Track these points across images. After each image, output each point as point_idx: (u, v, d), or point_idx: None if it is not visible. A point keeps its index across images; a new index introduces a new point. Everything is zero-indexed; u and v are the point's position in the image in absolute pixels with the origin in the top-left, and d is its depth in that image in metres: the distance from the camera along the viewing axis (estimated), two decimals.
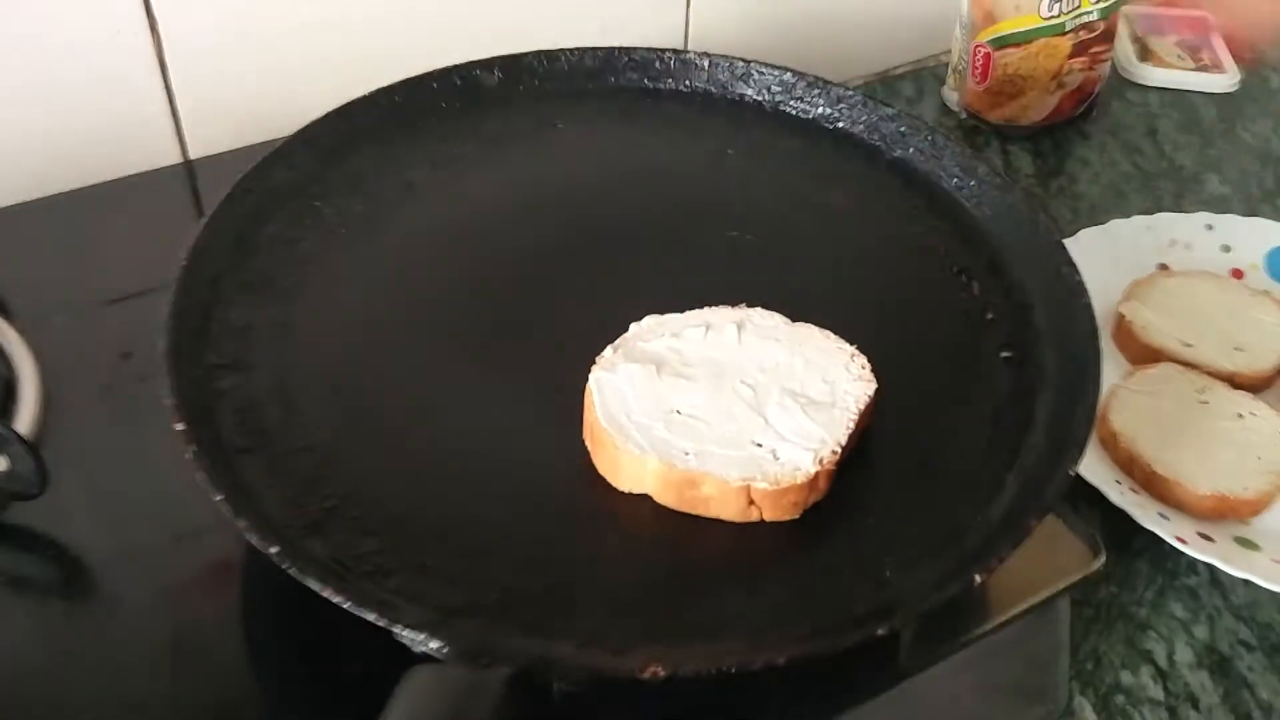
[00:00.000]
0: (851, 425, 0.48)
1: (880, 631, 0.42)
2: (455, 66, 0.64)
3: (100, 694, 0.47)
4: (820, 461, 0.47)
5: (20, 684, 0.47)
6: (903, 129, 0.64)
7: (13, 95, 0.68)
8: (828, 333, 0.52)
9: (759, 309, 0.53)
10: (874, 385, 0.50)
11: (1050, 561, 0.52)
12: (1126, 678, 0.56)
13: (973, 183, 0.62)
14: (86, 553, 0.51)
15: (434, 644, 0.40)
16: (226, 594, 0.50)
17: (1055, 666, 0.55)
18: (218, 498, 0.44)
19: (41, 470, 0.51)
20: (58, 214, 0.67)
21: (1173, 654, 0.58)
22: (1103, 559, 0.52)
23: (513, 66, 0.66)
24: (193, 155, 0.73)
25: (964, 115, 0.90)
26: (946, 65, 0.91)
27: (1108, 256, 0.74)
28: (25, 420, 0.55)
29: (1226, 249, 0.77)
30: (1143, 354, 0.70)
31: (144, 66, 0.69)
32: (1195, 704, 0.56)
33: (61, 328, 0.60)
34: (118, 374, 0.58)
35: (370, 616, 0.41)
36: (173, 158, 0.73)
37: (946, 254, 0.60)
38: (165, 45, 0.70)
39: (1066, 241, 0.74)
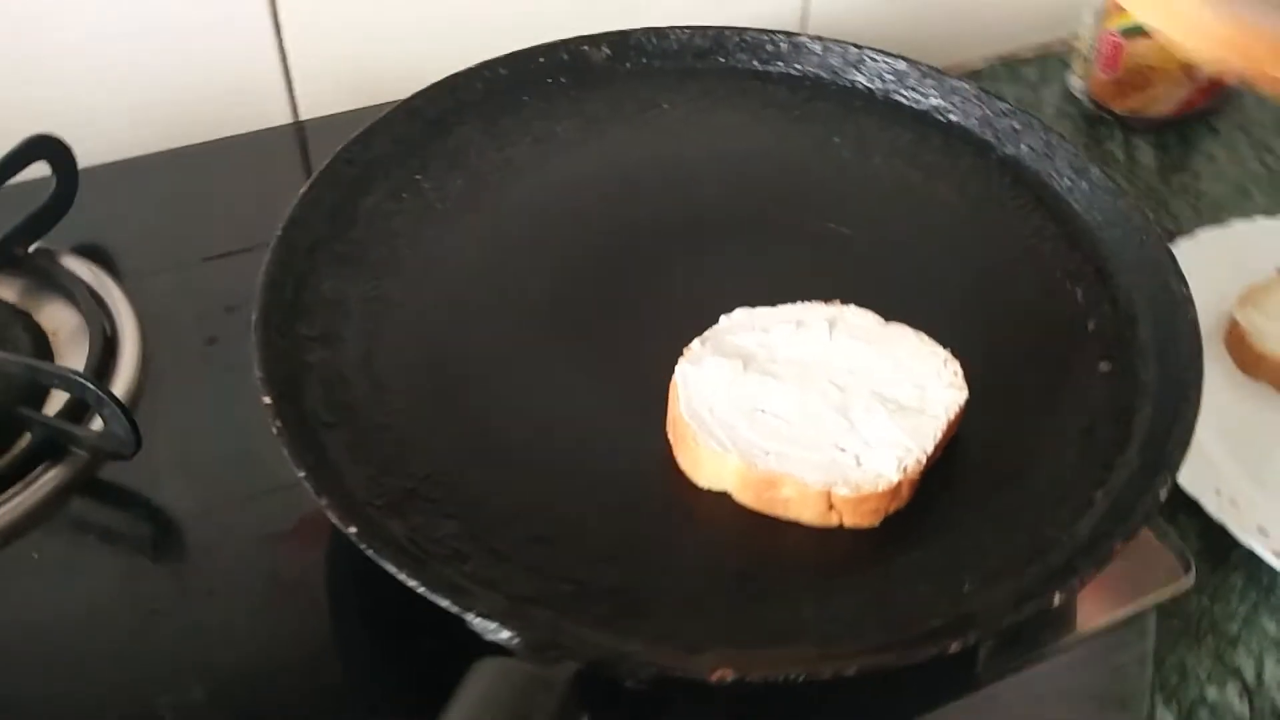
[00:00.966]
0: (939, 434, 0.47)
1: (954, 648, 0.41)
2: (563, 41, 0.64)
3: (182, 652, 0.47)
4: (904, 470, 0.46)
5: (106, 639, 0.48)
6: (1016, 125, 0.62)
7: (127, 51, 0.68)
8: (921, 335, 0.51)
9: (852, 306, 0.52)
10: (965, 394, 0.49)
11: (1140, 575, 0.50)
12: (1212, 693, 0.55)
13: (1085, 185, 0.60)
14: (176, 512, 0.52)
15: (504, 634, 0.40)
16: (311, 558, 0.50)
17: (1139, 679, 0.54)
18: (301, 474, 0.44)
19: (135, 433, 0.51)
20: (167, 170, 0.67)
21: (1261, 672, 0.55)
22: (1192, 576, 0.51)
23: (621, 43, 0.65)
24: (303, 116, 0.74)
25: (1089, 104, 0.86)
26: (1074, 51, 0.87)
27: (1226, 258, 0.71)
28: (124, 379, 0.56)
29: None
30: (1254, 361, 0.67)
31: (258, 25, 0.70)
32: None
33: (165, 285, 0.61)
34: (216, 333, 0.58)
35: (444, 603, 0.41)
36: (284, 118, 0.73)
37: (1052, 258, 0.58)
38: (280, 4, 0.70)
39: (1184, 240, 0.73)
